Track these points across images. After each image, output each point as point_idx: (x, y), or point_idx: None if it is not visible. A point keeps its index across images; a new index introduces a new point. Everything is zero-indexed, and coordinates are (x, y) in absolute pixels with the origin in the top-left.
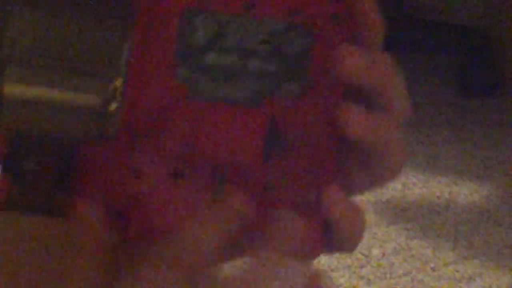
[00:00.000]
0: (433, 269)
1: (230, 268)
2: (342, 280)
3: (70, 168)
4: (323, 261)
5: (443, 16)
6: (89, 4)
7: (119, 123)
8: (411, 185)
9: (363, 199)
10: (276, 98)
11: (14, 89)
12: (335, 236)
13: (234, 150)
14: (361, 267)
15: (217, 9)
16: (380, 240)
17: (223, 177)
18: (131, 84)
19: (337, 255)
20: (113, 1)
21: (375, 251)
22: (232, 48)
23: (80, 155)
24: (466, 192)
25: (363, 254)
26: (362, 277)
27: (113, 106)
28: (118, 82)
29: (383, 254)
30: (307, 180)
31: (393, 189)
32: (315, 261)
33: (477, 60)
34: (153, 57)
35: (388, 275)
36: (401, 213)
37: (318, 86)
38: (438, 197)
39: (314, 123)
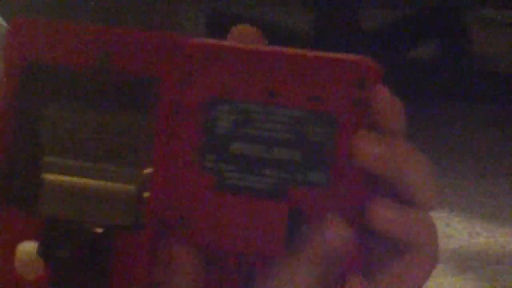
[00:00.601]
0: None
1: None
2: None
3: (102, 257)
4: None
5: (507, 68)
6: (118, 95)
7: (148, 213)
8: (476, 235)
9: None
10: (300, 187)
11: (52, 178)
12: None
13: (258, 241)
14: None
15: (240, 98)
16: None
17: (249, 267)
18: (159, 174)
19: None
20: (139, 92)
21: None
22: (257, 136)
23: (112, 243)
24: None
25: None
26: None
27: (146, 194)
28: (150, 171)
29: None
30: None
31: (459, 239)
32: None
33: None
34: (179, 147)
35: None
36: (467, 263)
37: (342, 174)
38: (503, 246)
39: (339, 212)
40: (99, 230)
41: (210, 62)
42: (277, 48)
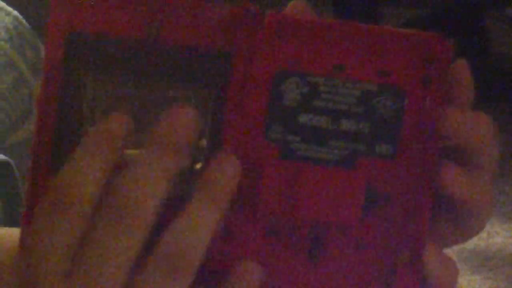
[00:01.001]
0: None
1: None
2: None
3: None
4: None
5: None
6: (165, 69)
7: None
8: (495, 234)
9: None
10: (369, 159)
11: None
12: None
13: (332, 211)
14: None
15: (308, 71)
16: None
17: (318, 236)
18: (229, 146)
19: None
20: (205, 68)
21: None
22: (324, 108)
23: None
24: None
25: None
26: None
27: (198, 165)
28: (203, 143)
29: None
30: (402, 237)
31: (477, 238)
32: None
33: None
34: (246, 117)
35: None
36: (485, 262)
37: (410, 146)
38: None
39: (409, 182)
40: None
41: (279, 34)
42: (347, 22)
